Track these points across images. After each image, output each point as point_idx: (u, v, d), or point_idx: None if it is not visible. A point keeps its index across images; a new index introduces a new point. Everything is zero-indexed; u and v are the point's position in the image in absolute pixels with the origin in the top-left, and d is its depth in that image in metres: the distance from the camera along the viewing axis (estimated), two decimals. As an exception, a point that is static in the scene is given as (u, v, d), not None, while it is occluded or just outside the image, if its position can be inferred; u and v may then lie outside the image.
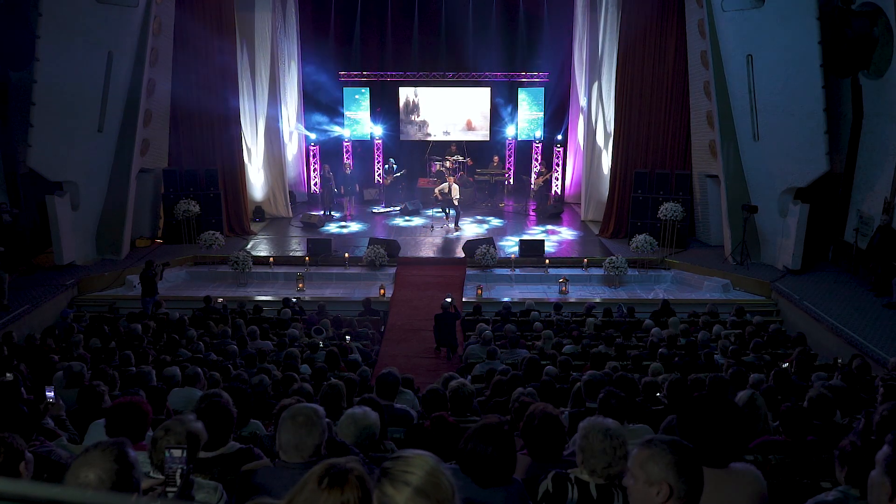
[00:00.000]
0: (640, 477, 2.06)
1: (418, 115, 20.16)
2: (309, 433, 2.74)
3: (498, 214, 18.72)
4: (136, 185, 14.96)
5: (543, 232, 17.01)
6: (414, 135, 20.27)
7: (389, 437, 4.61)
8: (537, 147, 19.62)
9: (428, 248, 15.74)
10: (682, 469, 2.03)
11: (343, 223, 17.72)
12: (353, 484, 1.70)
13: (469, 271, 14.41)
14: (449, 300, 11.20)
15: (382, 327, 12.17)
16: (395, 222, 17.89)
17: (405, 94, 19.97)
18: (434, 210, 17.59)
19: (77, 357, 7.60)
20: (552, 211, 18.51)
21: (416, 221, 17.98)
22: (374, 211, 18.89)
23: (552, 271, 14.40)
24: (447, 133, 20.09)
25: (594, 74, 17.57)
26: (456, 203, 16.95)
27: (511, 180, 20.23)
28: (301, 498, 1.69)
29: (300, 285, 13.73)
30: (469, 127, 20.15)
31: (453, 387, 5.02)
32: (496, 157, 19.71)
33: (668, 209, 14.95)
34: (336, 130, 19.70)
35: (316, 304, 12.12)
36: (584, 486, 2.70)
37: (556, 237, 16.74)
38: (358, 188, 19.09)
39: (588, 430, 2.76)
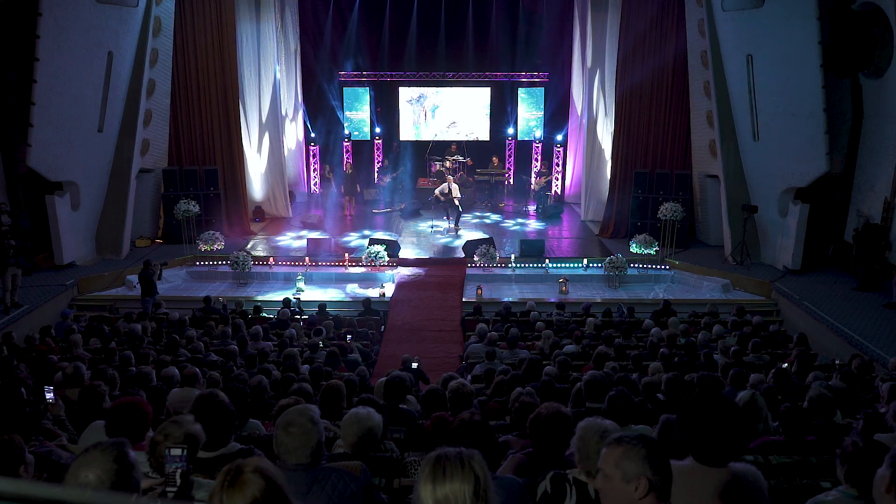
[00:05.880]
0: (615, 475, 2.06)
1: (418, 115, 20.14)
2: (306, 441, 2.75)
3: (497, 214, 18.70)
4: (136, 185, 14.96)
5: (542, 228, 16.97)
6: (414, 135, 20.25)
7: (390, 437, 4.60)
8: (537, 147, 19.61)
9: (428, 249, 15.72)
10: (657, 462, 2.04)
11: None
12: (250, 480, 1.72)
13: (469, 271, 14.40)
14: (415, 364, 8.54)
15: (382, 327, 12.16)
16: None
17: (405, 93, 19.96)
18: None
19: (76, 357, 7.59)
20: (552, 211, 18.50)
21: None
22: (374, 211, 18.88)
23: (552, 271, 14.41)
24: (447, 133, 20.08)
25: (594, 74, 17.55)
26: (456, 203, 16.93)
27: (511, 180, 20.22)
28: None
29: (300, 285, 13.73)
30: (469, 127, 20.12)
31: (453, 387, 5.01)
32: (496, 158, 19.70)
33: (668, 209, 14.93)
34: (336, 130, 19.68)
35: (316, 304, 12.12)
36: (582, 487, 2.68)
37: (556, 237, 16.75)
38: (358, 188, 19.08)
39: (585, 430, 2.75)
